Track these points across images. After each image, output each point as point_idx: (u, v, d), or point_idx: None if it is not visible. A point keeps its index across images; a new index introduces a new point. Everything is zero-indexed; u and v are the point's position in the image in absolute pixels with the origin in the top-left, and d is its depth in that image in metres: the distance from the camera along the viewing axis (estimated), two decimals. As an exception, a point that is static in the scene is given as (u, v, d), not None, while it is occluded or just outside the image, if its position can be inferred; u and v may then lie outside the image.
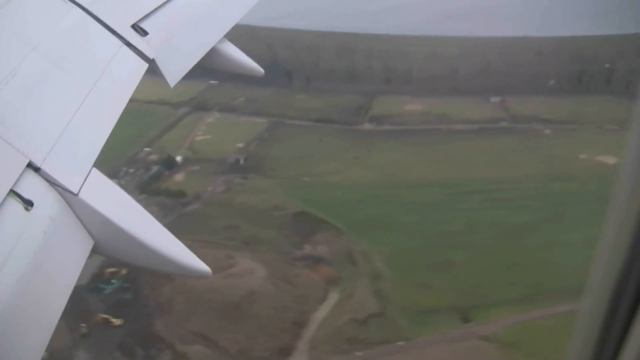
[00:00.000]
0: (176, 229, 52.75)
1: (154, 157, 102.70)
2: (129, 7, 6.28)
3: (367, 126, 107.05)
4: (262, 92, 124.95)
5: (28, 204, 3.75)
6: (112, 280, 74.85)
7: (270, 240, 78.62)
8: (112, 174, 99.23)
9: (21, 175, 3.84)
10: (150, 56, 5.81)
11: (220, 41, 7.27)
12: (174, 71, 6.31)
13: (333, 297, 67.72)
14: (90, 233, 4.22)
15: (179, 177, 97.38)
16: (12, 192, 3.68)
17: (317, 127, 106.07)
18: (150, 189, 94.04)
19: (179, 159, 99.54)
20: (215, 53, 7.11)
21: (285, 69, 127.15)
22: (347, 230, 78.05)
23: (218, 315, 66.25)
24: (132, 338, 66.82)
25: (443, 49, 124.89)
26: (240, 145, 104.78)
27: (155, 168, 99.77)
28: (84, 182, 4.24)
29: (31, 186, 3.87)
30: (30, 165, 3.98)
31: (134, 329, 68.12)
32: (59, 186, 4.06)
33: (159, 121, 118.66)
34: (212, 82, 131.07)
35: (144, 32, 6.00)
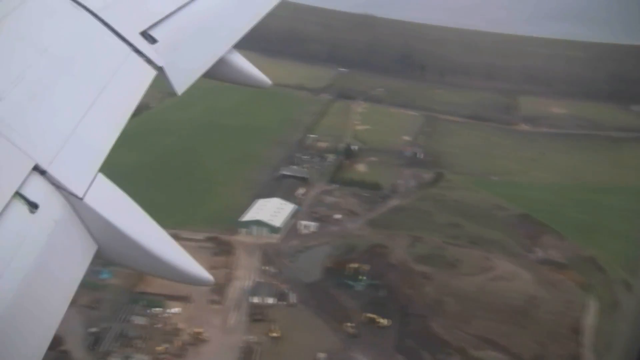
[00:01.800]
0: (392, 224, 49.77)
1: (323, 144, 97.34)
2: (139, 15, 5.95)
3: (523, 127, 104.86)
4: (396, 84, 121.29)
5: (33, 206, 3.60)
6: (360, 277, 70.33)
7: (498, 241, 75.69)
8: (288, 160, 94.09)
9: (27, 177, 3.70)
10: (159, 64, 5.47)
11: (228, 51, 6.85)
12: (182, 80, 5.88)
13: (593, 303, 65.94)
14: (94, 237, 4.03)
15: (361, 167, 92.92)
16: (18, 194, 3.53)
17: (473, 124, 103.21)
18: (338, 178, 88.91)
19: (354, 148, 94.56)
20: (224, 63, 6.75)
21: (418, 62, 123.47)
22: (567, 235, 76.03)
23: (501, 319, 63.20)
24: (409, 340, 62.94)
25: (570, 52, 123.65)
26: (407, 138, 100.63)
27: (331, 156, 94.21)
28: (89, 187, 4.04)
29: (36, 189, 3.72)
30: (36, 168, 3.80)
31: (407, 330, 64.28)
32: (64, 190, 3.90)
33: (305, 106, 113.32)
34: (341, 69, 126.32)
35: (153, 40, 5.66)
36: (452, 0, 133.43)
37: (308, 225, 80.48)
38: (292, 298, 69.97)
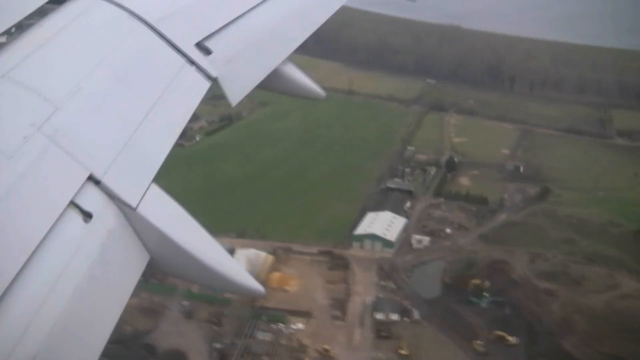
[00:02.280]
0: (506, 239, 47.10)
1: (422, 156, 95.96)
2: (195, 26, 5.80)
3: (619, 141, 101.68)
4: (486, 96, 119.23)
5: (87, 215, 3.58)
6: (485, 294, 68.61)
7: (617, 259, 73.09)
8: (390, 172, 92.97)
9: (82, 187, 3.68)
10: (213, 75, 5.39)
11: (282, 62, 6.52)
12: (236, 91, 5.72)
13: None
14: (146, 247, 3.95)
15: (464, 180, 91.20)
16: (72, 204, 3.53)
17: (569, 138, 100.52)
18: (443, 191, 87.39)
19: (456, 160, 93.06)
20: (278, 74, 6.49)
21: (507, 74, 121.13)
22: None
23: (634, 339, 60.87)
24: (541, 359, 61.04)
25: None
26: (505, 151, 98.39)
27: (432, 169, 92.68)
28: (142, 197, 3.92)
29: (91, 199, 3.68)
30: (91, 178, 3.78)
31: (537, 348, 62.36)
32: (118, 200, 3.80)
33: (398, 118, 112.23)
34: (429, 80, 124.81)
35: (208, 51, 5.57)
36: (542, 13, 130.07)
37: (421, 240, 79.22)
38: (416, 314, 68.75)
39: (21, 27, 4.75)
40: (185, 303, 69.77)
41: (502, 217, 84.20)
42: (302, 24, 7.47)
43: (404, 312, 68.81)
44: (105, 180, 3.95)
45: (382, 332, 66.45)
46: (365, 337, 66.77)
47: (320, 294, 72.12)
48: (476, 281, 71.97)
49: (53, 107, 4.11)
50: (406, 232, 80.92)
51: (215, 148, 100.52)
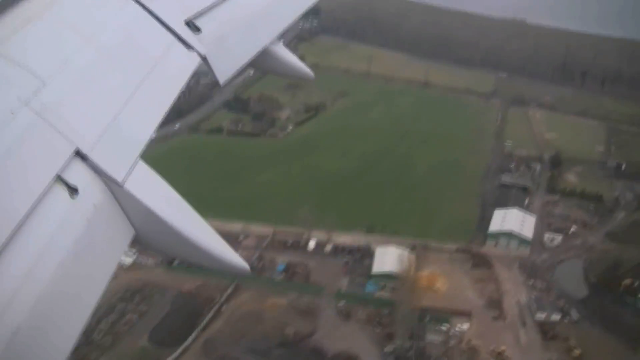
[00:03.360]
0: (633, 237, 45.90)
1: (523, 152, 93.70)
2: (184, 4, 5.76)
3: None
4: (559, 91, 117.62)
5: (73, 190, 3.55)
6: (638, 294, 67.01)
7: None
8: (499, 168, 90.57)
9: (68, 162, 3.64)
10: (202, 53, 5.37)
11: (273, 42, 6.50)
12: (225, 70, 5.62)
13: None
14: (132, 223, 3.97)
15: (571, 177, 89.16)
16: (58, 178, 3.51)
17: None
18: (555, 188, 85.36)
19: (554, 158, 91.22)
20: (267, 54, 6.40)
21: (577, 69, 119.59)
22: None
23: None
24: None
25: None
26: (600, 148, 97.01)
27: (537, 164, 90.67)
28: (129, 173, 3.94)
29: (77, 173, 3.66)
30: (77, 153, 3.74)
31: None
32: (105, 175, 3.80)
33: (481, 112, 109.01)
34: (500, 74, 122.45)
35: (197, 29, 5.54)
36: (606, 8, 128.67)
37: (553, 238, 76.70)
38: (574, 314, 66.32)
39: (8, 2, 4.41)
40: (341, 304, 65.55)
41: (621, 215, 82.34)
42: (292, 4, 7.19)
43: (562, 312, 66.23)
44: (92, 155, 3.84)
45: (549, 332, 63.79)
46: (532, 337, 64.18)
47: (471, 293, 69.12)
48: (628, 281, 69.74)
49: (41, 82, 3.97)
50: (535, 229, 78.15)
51: (308, 140, 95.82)
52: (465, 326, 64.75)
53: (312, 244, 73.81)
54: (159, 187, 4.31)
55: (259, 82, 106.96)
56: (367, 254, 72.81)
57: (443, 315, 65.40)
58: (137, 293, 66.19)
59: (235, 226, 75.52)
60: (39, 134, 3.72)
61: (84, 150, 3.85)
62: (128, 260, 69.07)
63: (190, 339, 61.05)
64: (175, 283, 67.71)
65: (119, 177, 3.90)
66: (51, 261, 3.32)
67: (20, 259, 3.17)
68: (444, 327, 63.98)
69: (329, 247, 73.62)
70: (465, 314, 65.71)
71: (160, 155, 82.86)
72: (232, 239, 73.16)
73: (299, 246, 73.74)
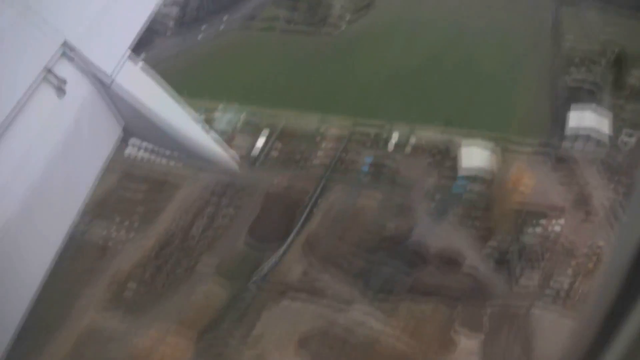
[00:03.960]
0: None
1: (583, 50, 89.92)
2: None
3: None
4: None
5: (62, 82, 3.48)
6: None
7: None
8: (563, 65, 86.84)
9: (56, 54, 3.52)
10: None
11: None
12: None
13: None
14: (121, 115, 3.92)
15: (637, 74, 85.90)
16: (47, 71, 3.41)
17: None
18: (622, 87, 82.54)
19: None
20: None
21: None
22: None
23: None
24: None
25: None
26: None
27: (600, 63, 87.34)
28: (119, 65, 3.82)
29: (66, 66, 3.55)
30: (65, 45, 3.58)
31: None
32: (94, 67, 3.69)
33: (534, 10, 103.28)
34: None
35: None
36: None
37: (631, 134, 74.54)
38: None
39: None
40: (433, 203, 63.14)
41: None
42: None
43: (651, 213, 64.77)
44: (81, 47, 3.71)
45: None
46: None
47: (558, 192, 67.10)
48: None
49: None
50: (611, 128, 75.62)
51: (365, 36, 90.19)
52: (559, 224, 63.08)
53: (392, 141, 70.20)
54: (149, 81, 4.27)
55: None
56: (450, 152, 69.65)
57: (536, 213, 63.48)
58: (225, 193, 62.45)
59: (311, 122, 71.22)
60: (28, 26, 3.47)
61: (72, 41, 3.69)
62: (207, 158, 64.57)
63: (289, 239, 58.25)
64: (262, 181, 64.07)
65: (108, 69, 3.83)
66: (41, 156, 3.18)
67: (10, 154, 2.99)
68: (539, 225, 62.09)
69: (410, 144, 70.14)
70: (558, 212, 63.88)
71: (215, 51, 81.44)
72: (310, 136, 69.39)
73: (380, 144, 70.08)
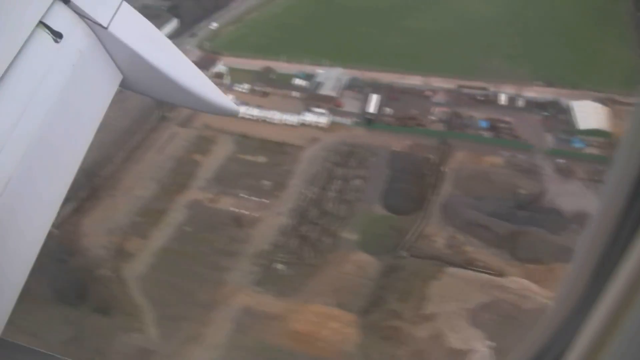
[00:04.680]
0: None
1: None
2: None
3: None
4: None
5: (57, 35, 3.36)
6: None
7: None
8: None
9: (50, 6, 3.42)
10: None
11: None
12: None
13: None
14: (119, 67, 3.80)
15: None
16: (41, 24, 3.31)
17: None
18: None
19: None
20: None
21: None
22: None
23: None
24: None
25: None
26: None
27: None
28: (114, 16, 3.73)
29: (60, 18, 3.45)
30: None
31: None
32: (89, 19, 3.60)
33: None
34: None
35: None
36: None
37: None
38: None
39: None
40: (558, 161, 60.25)
41: None
42: None
43: None
44: None
45: None
46: None
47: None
48: None
49: None
50: None
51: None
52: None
53: (503, 98, 66.64)
54: (145, 29, 4.01)
55: None
56: (560, 108, 66.44)
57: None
58: (352, 153, 58.65)
59: (414, 82, 67.18)
60: None
61: None
62: (323, 119, 60.65)
63: (427, 205, 55.01)
64: (382, 143, 60.41)
65: (103, 20, 3.64)
66: (39, 109, 3.08)
67: (7, 107, 2.95)
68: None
69: (521, 101, 66.63)
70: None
71: (279, 13, 78.22)
72: (419, 95, 65.57)
73: (490, 100, 66.43)
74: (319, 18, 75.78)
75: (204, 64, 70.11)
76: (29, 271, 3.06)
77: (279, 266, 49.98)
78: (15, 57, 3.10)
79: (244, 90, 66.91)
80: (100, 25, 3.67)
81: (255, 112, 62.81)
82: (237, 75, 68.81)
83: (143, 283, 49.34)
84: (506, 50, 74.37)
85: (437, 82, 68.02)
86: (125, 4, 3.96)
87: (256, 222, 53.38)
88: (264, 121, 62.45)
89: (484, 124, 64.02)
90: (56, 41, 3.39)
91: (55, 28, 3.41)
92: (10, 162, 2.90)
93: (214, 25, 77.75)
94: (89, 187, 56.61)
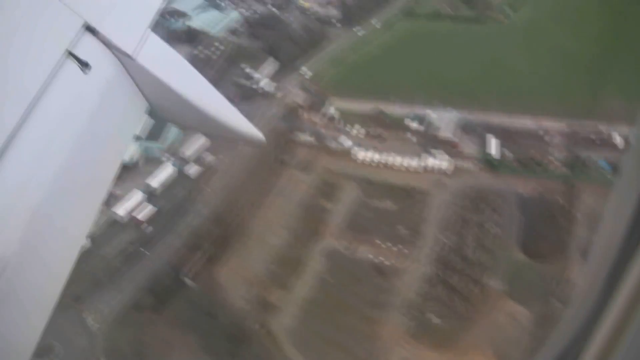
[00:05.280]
0: None
1: None
2: None
3: None
4: None
5: (84, 65, 3.36)
6: None
7: None
8: None
9: (77, 36, 3.42)
10: None
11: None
12: None
13: None
14: (145, 95, 3.78)
15: None
16: (69, 54, 3.30)
17: None
18: None
19: None
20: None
21: None
22: None
23: None
24: None
25: None
26: None
27: None
28: (140, 45, 3.71)
29: (87, 48, 3.44)
30: (86, 27, 3.50)
31: None
32: (116, 48, 3.61)
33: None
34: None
35: None
36: None
37: None
38: None
39: None
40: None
41: None
42: None
43: None
44: (102, 29, 3.57)
45: None
46: None
47: None
48: None
49: None
50: None
51: (536, 23, 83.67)
52: None
53: (617, 138, 64.83)
54: (171, 58, 4.04)
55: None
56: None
57: None
58: (480, 201, 56.94)
59: (525, 122, 65.77)
60: (47, 10, 3.38)
61: (93, 23, 3.52)
62: (444, 163, 59.31)
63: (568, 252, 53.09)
64: (509, 186, 58.75)
65: (130, 50, 3.63)
66: (67, 138, 3.04)
67: (37, 136, 2.93)
68: None
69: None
70: None
71: (378, 54, 77.36)
72: (534, 136, 64.02)
73: (605, 140, 64.72)
74: (419, 57, 74.91)
75: (311, 106, 69.23)
76: (42, 328, 2.89)
77: (432, 317, 48.03)
78: (44, 87, 3.04)
79: (357, 133, 65.72)
80: (127, 54, 3.59)
81: (375, 156, 61.54)
82: (348, 117, 67.74)
83: (294, 337, 47.58)
84: (614, 87, 72.96)
85: (548, 122, 66.48)
86: (151, 32, 3.84)
87: (399, 272, 51.63)
88: (384, 165, 61.03)
89: (605, 165, 62.22)
90: (84, 71, 3.33)
91: (83, 58, 3.35)
92: (40, 188, 2.84)
93: (307, 71, 77.00)
94: (219, 234, 55.24)
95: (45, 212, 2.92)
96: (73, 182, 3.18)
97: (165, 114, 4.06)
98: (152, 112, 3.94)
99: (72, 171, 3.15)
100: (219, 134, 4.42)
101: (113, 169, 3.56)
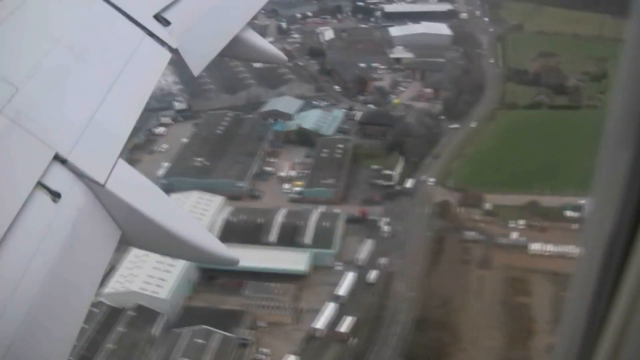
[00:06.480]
0: None
1: None
2: None
3: None
4: None
5: (55, 195, 3.59)
6: None
7: None
8: None
9: (48, 167, 3.68)
10: (174, 46, 5.57)
11: (242, 29, 6.76)
12: (197, 60, 5.99)
13: None
14: (117, 223, 3.99)
15: None
16: (40, 184, 3.53)
17: None
18: None
19: None
20: (238, 41, 6.65)
21: None
22: None
23: None
24: None
25: None
26: None
27: None
28: (110, 173, 4.01)
29: (58, 178, 3.71)
30: (56, 158, 3.78)
31: None
32: (86, 177, 3.87)
33: None
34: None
35: (166, 22, 5.68)
36: None
37: None
38: None
39: None
40: None
41: None
42: None
43: None
44: (72, 158, 3.69)
45: None
46: None
47: None
48: None
49: (13, 88, 3.80)
50: None
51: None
52: None
53: None
54: (141, 184, 4.14)
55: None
56: None
57: None
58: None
59: None
60: (16, 141, 3.56)
61: (63, 153, 3.65)
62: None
63: None
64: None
65: (100, 179, 3.72)
66: (39, 269, 3.13)
67: (7, 269, 2.99)
68: None
69: None
70: None
71: (496, 145, 78.81)
72: None
73: None
74: (540, 146, 77.05)
75: (462, 202, 69.81)
76: None
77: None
78: (15, 219, 3.13)
79: (519, 226, 66.42)
80: (97, 183, 3.73)
81: (549, 247, 62.09)
82: (501, 210, 68.52)
83: None
84: None
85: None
86: (120, 160, 3.98)
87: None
88: (559, 255, 61.48)
89: None
90: (54, 201, 3.45)
91: (54, 188, 3.47)
92: (11, 327, 2.85)
93: (436, 166, 78.07)
94: (432, 342, 53.97)
95: (16, 350, 2.83)
96: (47, 314, 3.17)
97: (138, 242, 4.03)
98: (125, 240, 3.85)
99: (46, 303, 3.12)
100: (195, 260, 4.41)
101: (89, 298, 3.52)
